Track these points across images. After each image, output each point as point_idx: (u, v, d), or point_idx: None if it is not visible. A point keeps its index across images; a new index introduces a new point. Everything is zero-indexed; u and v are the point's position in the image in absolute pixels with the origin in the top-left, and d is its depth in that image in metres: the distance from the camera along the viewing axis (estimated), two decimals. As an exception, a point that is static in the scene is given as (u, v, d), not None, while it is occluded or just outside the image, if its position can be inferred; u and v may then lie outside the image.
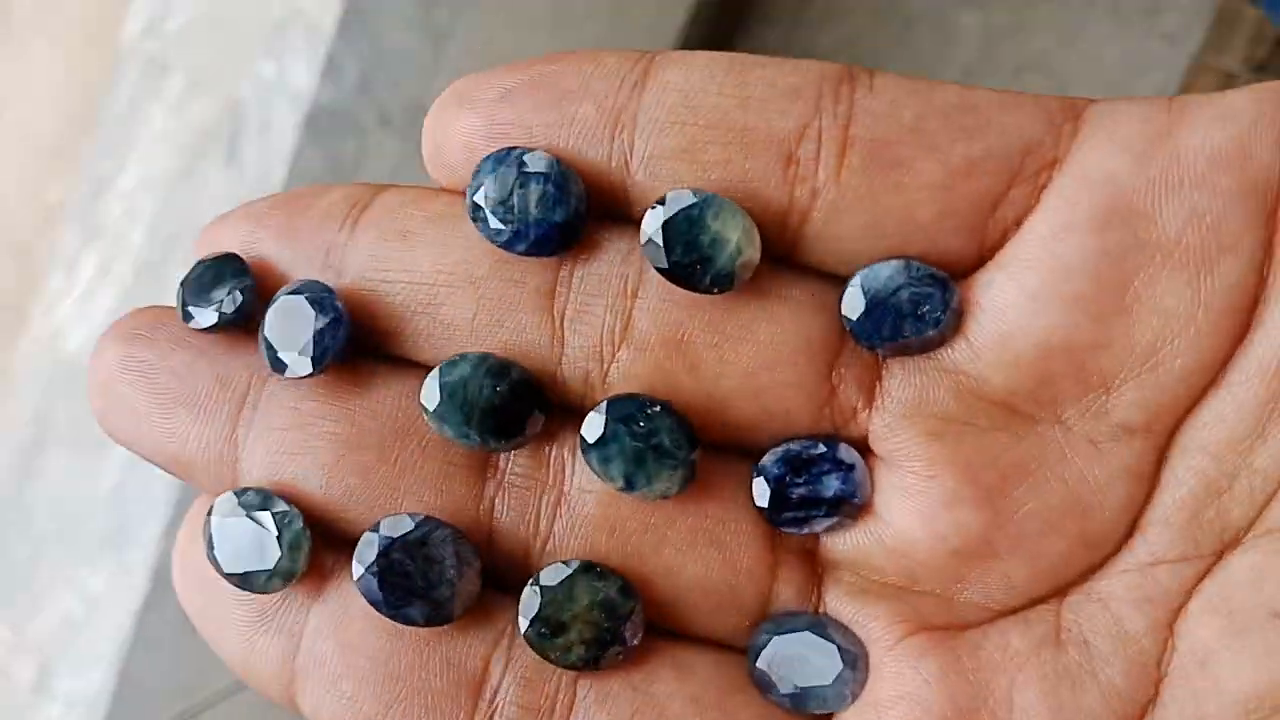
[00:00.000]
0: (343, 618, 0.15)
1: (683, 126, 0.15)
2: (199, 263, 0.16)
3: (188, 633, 0.42)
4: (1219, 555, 0.15)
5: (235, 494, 0.15)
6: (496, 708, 0.15)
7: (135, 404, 0.16)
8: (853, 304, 0.15)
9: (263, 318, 0.15)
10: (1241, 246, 0.14)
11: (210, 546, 0.15)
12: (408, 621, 0.15)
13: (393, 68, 0.42)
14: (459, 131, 0.15)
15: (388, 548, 0.15)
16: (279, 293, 0.16)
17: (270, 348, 0.15)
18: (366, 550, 0.15)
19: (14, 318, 0.42)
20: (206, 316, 0.16)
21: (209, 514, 0.15)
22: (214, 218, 0.17)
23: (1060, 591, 0.15)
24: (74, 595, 0.40)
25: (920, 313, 0.15)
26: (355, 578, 0.15)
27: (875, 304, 0.15)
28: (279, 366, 0.15)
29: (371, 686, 0.15)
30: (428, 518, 0.15)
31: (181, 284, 0.16)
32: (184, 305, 0.16)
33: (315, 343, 0.15)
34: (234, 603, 0.15)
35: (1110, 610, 0.15)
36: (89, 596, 0.40)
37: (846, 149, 0.15)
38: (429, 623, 0.15)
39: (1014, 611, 0.15)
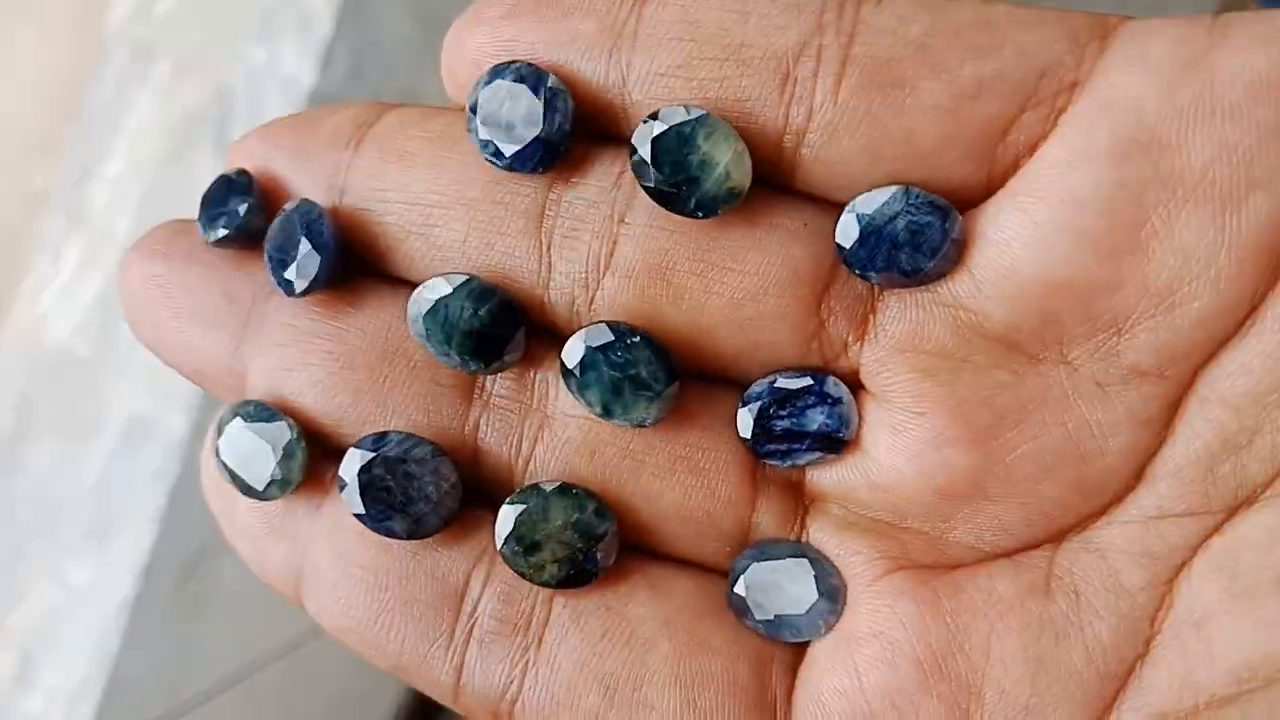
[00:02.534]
0: (337, 528, 0.16)
1: (680, 42, 0.14)
2: (217, 179, 0.16)
3: (175, 623, 0.41)
4: (1231, 512, 0.14)
5: (235, 406, 0.16)
6: (476, 620, 0.15)
7: (156, 317, 0.16)
8: (846, 231, 0.15)
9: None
10: (1276, 183, 0.13)
11: (217, 455, 0.16)
12: (389, 534, 0.15)
13: (386, 55, 0.42)
14: (468, 49, 0.15)
15: (368, 463, 0.15)
16: (281, 211, 0.16)
17: (272, 266, 0.16)
18: (349, 465, 0.15)
19: (-3, 305, 0.41)
20: (214, 231, 0.16)
21: (217, 425, 0.16)
22: (242, 135, 0.17)
23: (1056, 538, 0.15)
24: (57, 587, 0.39)
25: (918, 243, 0.14)
26: (340, 490, 0.15)
27: (870, 231, 0.14)
28: (284, 286, 0.15)
29: (363, 595, 0.15)
30: (409, 435, 0.15)
31: (201, 199, 0.16)
32: (200, 220, 0.16)
33: (306, 263, 0.15)
34: (247, 509, 0.16)
35: (1107, 562, 0.14)
36: (73, 589, 0.39)
37: (846, 67, 0.14)
38: (410, 536, 0.15)
39: (1006, 555, 0.15)
